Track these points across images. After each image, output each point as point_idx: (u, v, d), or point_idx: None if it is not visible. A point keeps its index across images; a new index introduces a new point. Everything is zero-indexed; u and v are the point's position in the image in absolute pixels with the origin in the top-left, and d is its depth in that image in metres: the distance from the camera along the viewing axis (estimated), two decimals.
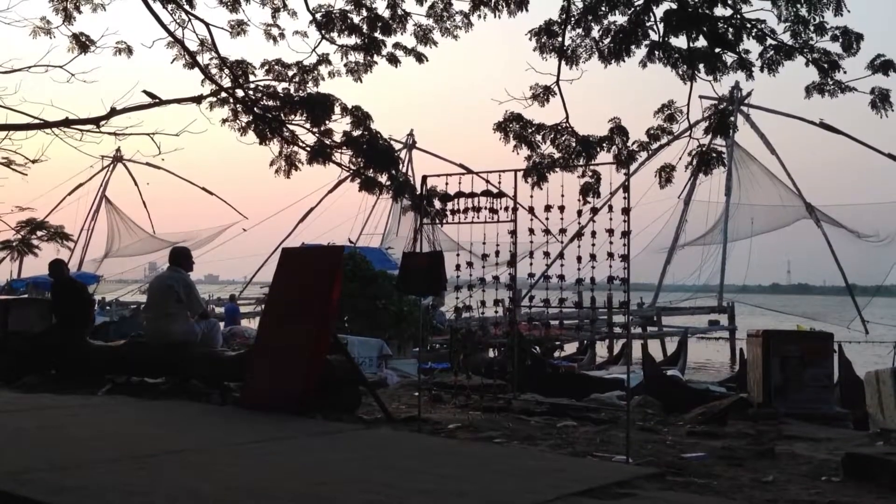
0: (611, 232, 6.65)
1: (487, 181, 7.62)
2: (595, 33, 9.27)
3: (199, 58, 10.90)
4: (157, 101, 10.76)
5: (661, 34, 8.90)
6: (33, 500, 4.45)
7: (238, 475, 5.16)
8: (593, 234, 6.75)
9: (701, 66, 8.98)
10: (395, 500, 4.67)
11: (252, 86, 11.14)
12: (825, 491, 5.32)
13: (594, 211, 6.89)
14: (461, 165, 34.79)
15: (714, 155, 9.71)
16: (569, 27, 9.30)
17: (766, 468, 5.98)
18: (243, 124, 11.05)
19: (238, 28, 10.95)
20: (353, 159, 10.94)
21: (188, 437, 6.62)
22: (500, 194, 7.40)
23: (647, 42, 9.00)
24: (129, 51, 11.05)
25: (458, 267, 7.53)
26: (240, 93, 11.08)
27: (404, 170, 38.66)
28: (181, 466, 5.44)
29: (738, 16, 8.74)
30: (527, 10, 9.35)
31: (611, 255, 6.67)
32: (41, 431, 6.60)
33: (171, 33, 10.60)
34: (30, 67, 10.42)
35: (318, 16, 10.56)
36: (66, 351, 10.38)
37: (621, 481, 5.26)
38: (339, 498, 4.69)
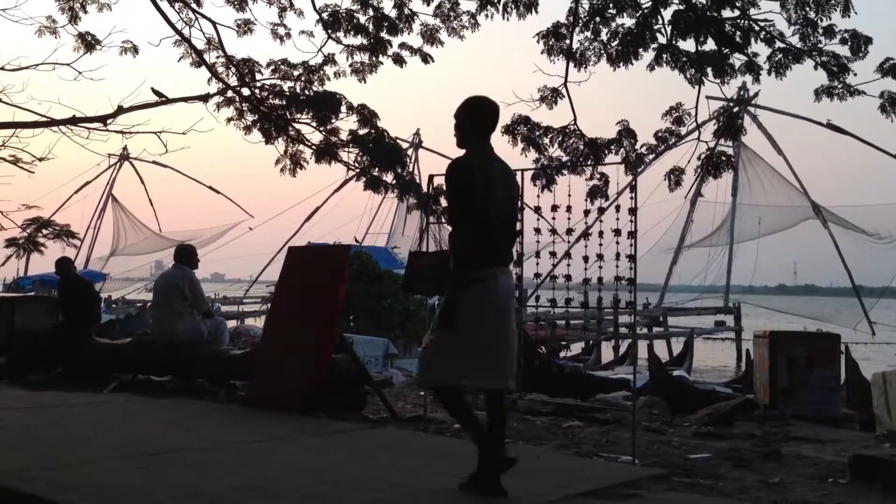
0: (617, 232, 6.64)
1: None
2: (603, 36, 9.25)
3: (205, 56, 10.92)
4: (164, 100, 10.78)
5: (669, 37, 8.88)
6: (38, 498, 4.46)
7: (243, 474, 5.16)
8: (600, 234, 6.74)
9: (709, 69, 8.96)
10: (400, 499, 4.66)
11: (258, 85, 11.15)
12: (832, 492, 5.30)
13: (601, 211, 6.87)
14: None
15: (724, 158, 9.67)
16: (577, 29, 9.27)
17: (772, 470, 5.96)
18: (248, 123, 11.07)
19: (245, 27, 10.96)
20: (359, 158, 10.94)
21: (193, 436, 6.62)
22: None
23: (654, 45, 8.98)
24: (136, 50, 11.07)
25: None
26: (246, 91, 11.10)
27: (411, 169, 38.71)
28: (186, 465, 5.44)
29: (746, 18, 8.72)
30: (536, 13, 9.32)
31: (617, 255, 6.66)
32: (46, 429, 6.61)
33: (178, 32, 10.62)
34: (37, 65, 10.44)
35: (324, 15, 10.56)
36: (72, 349, 10.40)
37: (627, 482, 5.26)
38: (345, 497, 4.69)
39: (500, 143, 9.74)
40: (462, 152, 4.91)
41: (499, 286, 4.81)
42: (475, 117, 4.96)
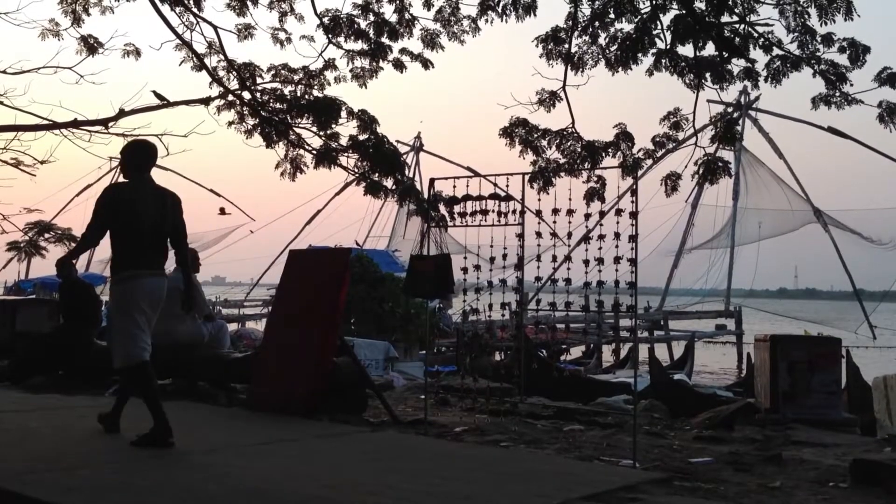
0: (618, 235, 6.64)
1: (495, 184, 7.63)
2: (602, 40, 9.27)
3: (206, 60, 10.93)
4: (165, 103, 10.79)
5: (668, 42, 8.89)
6: (39, 501, 4.47)
7: (244, 477, 5.17)
8: (601, 237, 6.74)
9: (708, 74, 8.97)
10: (401, 502, 4.67)
11: (259, 89, 11.17)
12: (833, 497, 5.30)
13: (602, 214, 6.88)
14: (469, 168, 34.82)
15: (720, 164, 9.67)
16: (575, 34, 9.29)
17: (773, 474, 5.96)
18: (249, 127, 11.08)
19: (245, 32, 10.98)
20: (359, 163, 10.94)
21: (194, 439, 6.61)
22: (508, 197, 7.39)
23: (654, 50, 8.99)
24: (138, 53, 11.10)
25: (465, 270, 7.52)
26: (247, 95, 11.11)
27: (412, 173, 38.72)
28: (187, 467, 5.45)
29: (745, 24, 8.73)
30: (535, 16, 9.34)
31: (618, 258, 6.66)
32: (48, 431, 6.62)
33: (179, 36, 10.64)
34: (39, 69, 10.45)
35: (325, 20, 10.58)
36: (73, 351, 10.39)
37: (628, 486, 5.26)
38: (345, 500, 4.70)
39: (501, 143, 9.76)
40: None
41: (146, 284, 6.30)
42: (133, 155, 6.55)
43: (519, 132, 9.64)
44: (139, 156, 6.54)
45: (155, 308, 6.45)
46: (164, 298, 6.52)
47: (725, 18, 8.73)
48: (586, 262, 6.87)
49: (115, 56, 11.09)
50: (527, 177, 8.18)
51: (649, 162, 10.38)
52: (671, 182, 9.66)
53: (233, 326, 24.78)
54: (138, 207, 6.25)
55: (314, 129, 10.80)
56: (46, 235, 39.32)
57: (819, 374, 9.49)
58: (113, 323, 6.49)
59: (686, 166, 9.81)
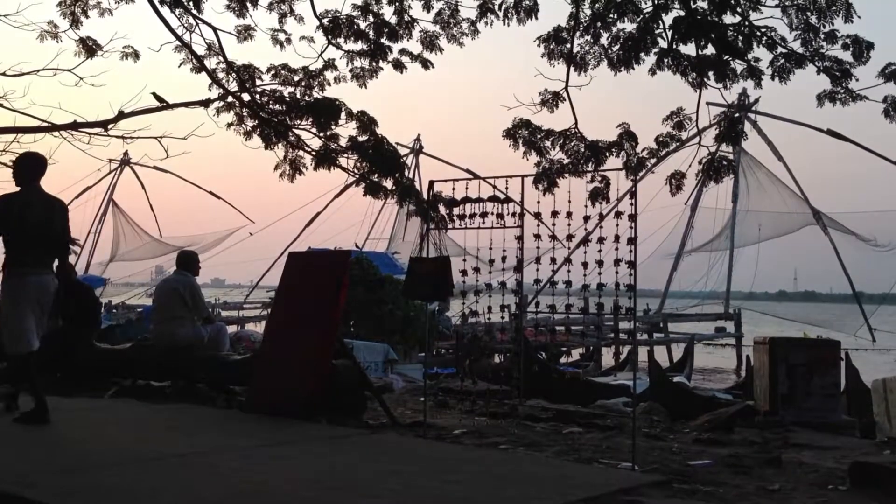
0: (618, 238, 6.62)
1: (494, 186, 7.61)
2: (604, 40, 9.28)
3: (206, 62, 10.94)
4: (164, 105, 10.80)
5: (670, 41, 8.89)
6: (39, 503, 4.45)
7: (243, 479, 5.16)
8: (600, 239, 6.72)
9: (710, 73, 8.98)
10: None
11: (258, 90, 11.18)
12: (832, 499, 5.29)
13: (601, 217, 6.86)
14: (468, 171, 34.82)
15: (725, 163, 9.67)
16: (577, 34, 9.30)
17: (772, 476, 5.95)
18: (248, 128, 11.09)
19: (245, 33, 11.01)
20: (359, 164, 10.95)
21: (193, 441, 6.62)
22: (507, 200, 7.38)
23: (656, 50, 8.99)
24: (137, 55, 11.13)
25: (464, 272, 7.51)
26: (246, 97, 11.12)
27: (411, 175, 38.74)
28: (186, 470, 5.44)
29: (748, 23, 8.73)
30: (536, 19, 9.34)
31: (617, 261, 6.65)
32: (46, 434, 6.61)
33: (178, 38, 10.66)
34: (38, 71, 10.47)
35: (325, 21, 10.60)
36: (72, 354, 10.38)
37: (627, 488, 5.25)
38: (344, 502, 4.69)
39: (501, 145, 9.78)
40: None
41: (33, 281, 7.06)
42: (25, 166, 7.23)
43: (522, 133, 9.65)
44: (32, 167, 7.27)
45: (42, 302, 7.19)
46: (51, 294, 7.30)
47: (728, 18, 8.75)
48: (585, 265, 6.85)
49: (114, 58, 11.13)
50: (526, 179, 8.16)
51: (653, 161, 10.39)
52: (676, 181, 9.66)
53: (232, 328, 24.75)
54: (28, 213, 7.01)
55: (313, 130, 10.82)
56: None
57: (818, 376, 9.47)
58: (5, 313, 7.13)
59: (690, 165, 9.82)
